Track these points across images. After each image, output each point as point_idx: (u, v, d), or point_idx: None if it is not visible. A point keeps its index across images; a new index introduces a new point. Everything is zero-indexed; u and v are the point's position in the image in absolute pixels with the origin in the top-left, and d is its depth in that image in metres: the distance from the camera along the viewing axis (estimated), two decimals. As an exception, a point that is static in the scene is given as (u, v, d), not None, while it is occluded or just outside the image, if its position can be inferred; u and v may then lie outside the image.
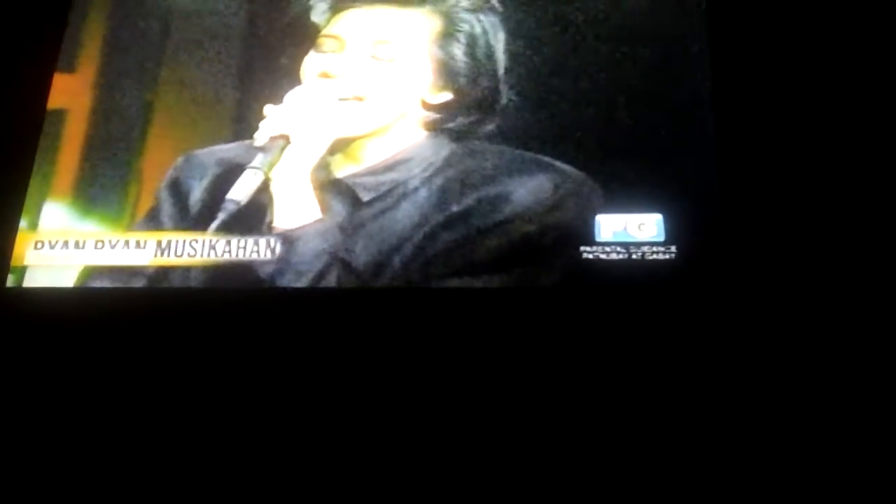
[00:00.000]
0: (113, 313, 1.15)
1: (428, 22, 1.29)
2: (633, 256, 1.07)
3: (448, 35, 1.28)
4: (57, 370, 1.11)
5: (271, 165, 1.22)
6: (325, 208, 1.23)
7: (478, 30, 1.28)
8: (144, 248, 1.20)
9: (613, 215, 1.10)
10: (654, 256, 1.07)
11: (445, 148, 1.25)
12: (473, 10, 1.29)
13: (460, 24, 1.29)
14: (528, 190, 1.19)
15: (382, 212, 1.22)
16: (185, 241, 1.21)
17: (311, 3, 1.32)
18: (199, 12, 1.36)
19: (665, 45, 1.22)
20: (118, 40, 1.36)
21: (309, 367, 1.11)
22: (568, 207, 1.17)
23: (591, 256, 1.08)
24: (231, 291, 1.18)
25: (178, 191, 1.27)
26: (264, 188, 1.23)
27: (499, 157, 1.23)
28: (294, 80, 1.29)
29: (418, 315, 1.10)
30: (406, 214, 1.20)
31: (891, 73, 1.07)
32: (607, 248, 1.08)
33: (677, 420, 1.00)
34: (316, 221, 1.23)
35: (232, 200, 1.21)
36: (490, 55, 1.28)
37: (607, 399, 1.01)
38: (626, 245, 1.08)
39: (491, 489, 1.00)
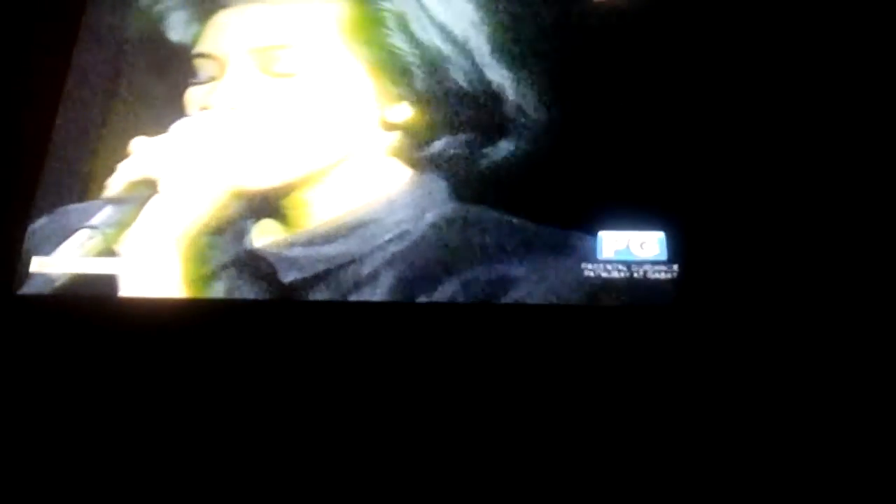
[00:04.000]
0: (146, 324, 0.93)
1: (334, 9, 0.89)
2: (636, 275, 1.00)
3: (367, 23, 0.89)
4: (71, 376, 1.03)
5: (121, 226, 0.85)
6: None
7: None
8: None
9: (616, 233, 0.97)
10: (657, 276, 1.00)
11: (437, 201, 0.88)
12: None
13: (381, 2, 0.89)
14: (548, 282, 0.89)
15: None
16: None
17: (163, 12, 0.90)
18: None
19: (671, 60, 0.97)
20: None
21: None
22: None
23: (592, 274, 1.00)
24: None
25: None
26: (104, 257, 0.86)
27: (509, 229, 0.88)
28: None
29: (407, 331, 0.92)
30: None
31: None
32: (608, 266, 1.00)
33: (674, 439, 1.03)
34: None
35: (40, 276, 0.85)
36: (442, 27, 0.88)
37: (604, 416, 1.04)
38: (627, 263, 1.00)
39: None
